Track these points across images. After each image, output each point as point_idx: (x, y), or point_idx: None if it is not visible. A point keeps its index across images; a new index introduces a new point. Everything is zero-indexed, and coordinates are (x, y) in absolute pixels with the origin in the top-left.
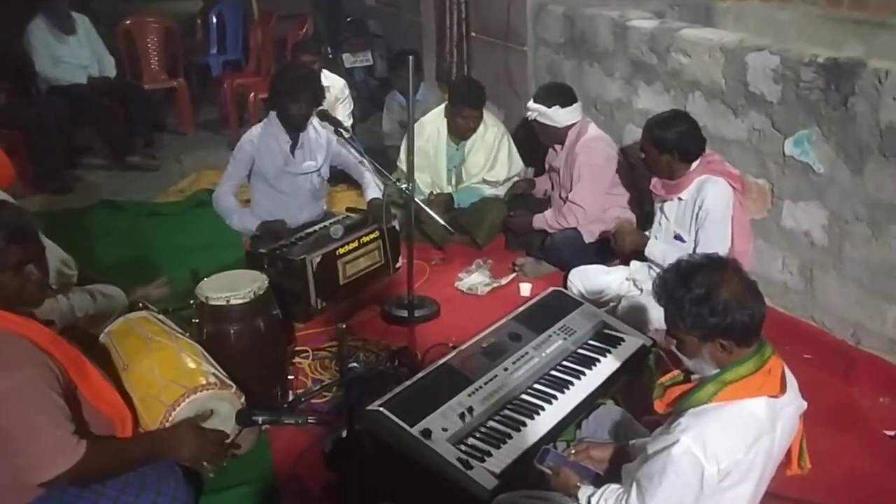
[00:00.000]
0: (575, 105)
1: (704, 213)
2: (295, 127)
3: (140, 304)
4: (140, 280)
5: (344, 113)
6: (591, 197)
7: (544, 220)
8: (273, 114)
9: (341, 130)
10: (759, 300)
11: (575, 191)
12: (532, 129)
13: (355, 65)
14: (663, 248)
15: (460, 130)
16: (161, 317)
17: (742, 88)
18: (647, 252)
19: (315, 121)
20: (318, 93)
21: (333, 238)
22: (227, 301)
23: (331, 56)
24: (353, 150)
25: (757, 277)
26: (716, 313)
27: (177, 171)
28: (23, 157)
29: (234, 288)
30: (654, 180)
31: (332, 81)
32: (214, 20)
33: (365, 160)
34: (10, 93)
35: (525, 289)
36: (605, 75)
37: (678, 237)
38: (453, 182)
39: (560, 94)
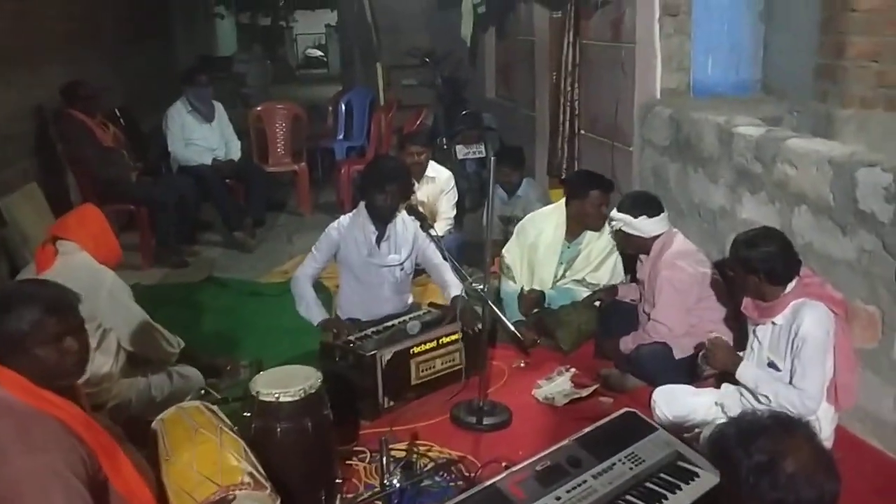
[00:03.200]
0: (662, 216)
1: (801, 341)
2: (381, 218)
3: (205, 390)
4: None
5: (448, 204)
6: (674, 316)
7: (629, 342)
8: (362, 204)
9: (426, 226)
10: (832, 477)
11: (658, 308)
12: None
13: (468, 156)
14: (756, 374)
15: (590, 219)
16: (214, 408)
17: (851, 205)
18: (739, 375)
19: (404, 214)
20: (406, 186)
21: (410, 334)
22: (277, 398)
23: (445, 147)
24: (435, 249)
25: (864, 415)
26: (777, 488)
27: (286, 252)
28: (146, 231)
29: (285, 384)
30: (746, 301)
31: (437, 172)
32: (343, 107)
33: (447, 258)
34: (142, 171)
35: (606, 403)
36: (710, 181)
37: (772, 364)
38: (557, 278)
39: (647, 204)
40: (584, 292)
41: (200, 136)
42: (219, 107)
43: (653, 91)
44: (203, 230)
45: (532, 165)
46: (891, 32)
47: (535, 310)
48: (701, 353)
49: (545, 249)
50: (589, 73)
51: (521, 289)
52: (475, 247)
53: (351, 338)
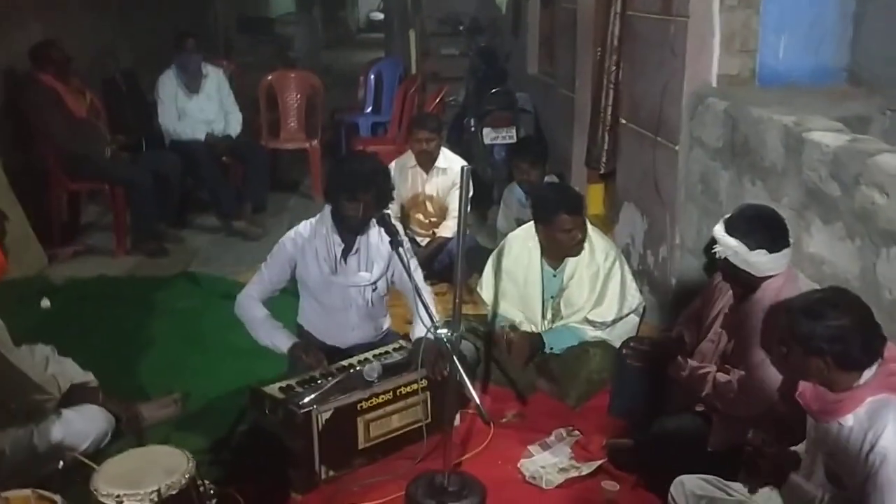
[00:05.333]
0: (785, 251)
1: (878, 458)
2: (350, 229)
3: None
4: (163, 386)
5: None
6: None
7: (708, 382)
8: (327, 208)
9: (398, 242)
10: None
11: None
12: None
13: (496, 141)
14: (809, 489)
15: (562, 246)
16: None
17: None
18: (789, 485)
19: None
20: (384, 194)
21: (366, 381)
22: (120, 502)
23: (472, 128)
24: (408, 267)
25: None
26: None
27: None
28: (120, 214)
29: (135, 480)
30: (803, 386)
31: (450, 163)
32: (373, 78)
33: (419, 285)
34: (121, 146)
35: (610, 488)
36: (770, 198)
37: (835, 479)
38: (549, 316)
39: (769, 233)
40: (591, 331)
41: (195, 107)
42: (216, 75)
43: (707, 77)
44: (200, 212)
45: (568, 155)
46: None
47: (534, 357)
48: (743, 465)
49: (525, 280)
50: (634, 50)
51: (509, 329)
52: (485, 254)
53: (284, 384)
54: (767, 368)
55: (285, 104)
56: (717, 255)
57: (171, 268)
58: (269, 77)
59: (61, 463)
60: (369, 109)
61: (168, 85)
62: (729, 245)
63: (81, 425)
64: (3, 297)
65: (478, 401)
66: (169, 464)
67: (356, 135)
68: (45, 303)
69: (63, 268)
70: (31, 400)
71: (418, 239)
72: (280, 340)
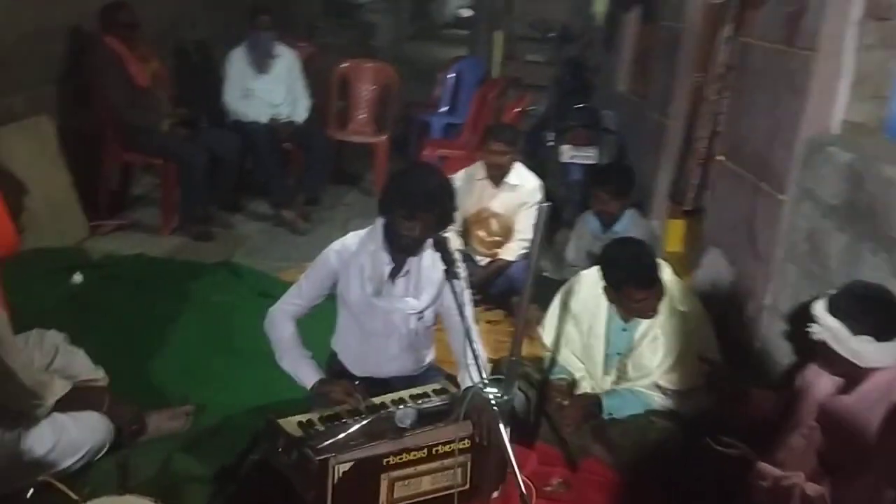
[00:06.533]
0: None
1: None
2: (403, 249)
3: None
4: (178, 392)
5: (529, 222)
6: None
7: (795, 497)
8: (379, 221)
9: (454, 273)
10: None
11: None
12: None
13: (574, 160)
14: None
15: (630, 312)
16: None
17: None
18: None
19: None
20: (446, 215)
21: (398, 427)
22: None
23: (551, 143)
24: (461, 304)
25: None
26: None
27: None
28: (169, 191)
29: None
30: None
31: (522, 180)
32: (452, 77)
33: (471, 327)
34: (181, 120)
35: None
36: (893, 275)
37: None
38: (613, 375)
39: (880, 318)
40: (660, 399)
41: (262, 88)
42: (289, 57)
43: (828, 123)
44: (255, 197)
45: (652, 184)
46: None
47: (588, 421)
48: None
49: (589, 329)
50: (744, 81)
51: (563, 384)
52: (553, 285)
53: (305, 419)
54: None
55: (357, 95)
56: (813, 335)
57: (215, 254)
58: (344, 65)
59: (31, 491)
60: (444, 109)
61: (236, 62)
62: (829, 326)
63: (76, 434)
64: (35, 266)
65: (520, 479)
66: None
67: (427, 134)
68: (77, 278)
69: (104, 241)
70: (18, 404)
71: (477, 258)
72: (305, 373)
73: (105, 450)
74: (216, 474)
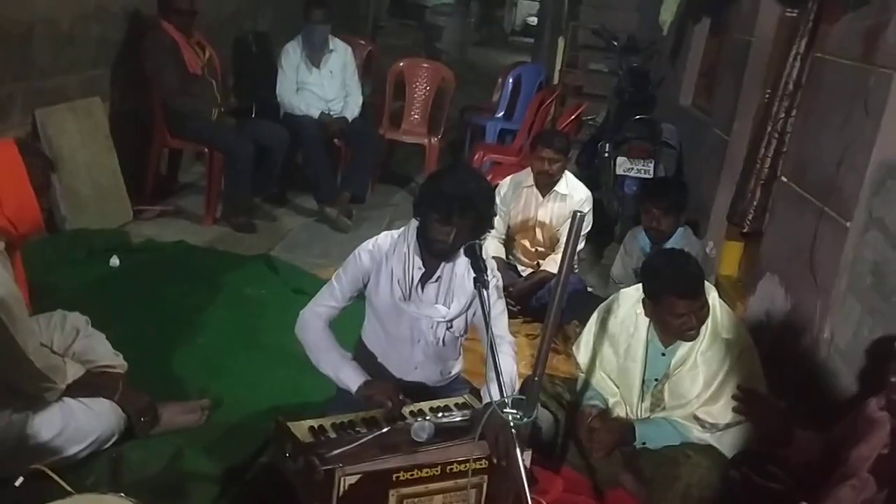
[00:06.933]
0: None
1: None
2: (436, 253)
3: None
4: (197, 383)
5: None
6: None
7: None
8: (414, 223)
9: (484, 281)
10: None
11: None
12: None
13: (629, 173)
14: None
15: (670, 329)
16: None
17: None
18: None
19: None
20: (484, 221)
21: (413, 441)
22: None
23: (606, 154)
24: (488, 315)
25: None
26: None
27: None
28: (214, 180)
29: None
30: None
31: (572, 190)
32: (510, 83)
33: (496, 339)
34: (231, 110)
35: None
36: None
37: None
38: (647, 402)
39: None
40: (698, 432)
41: (315, 83)
42: (344, 53)
43: None
44: (301, 192)
45: (709, 203)
46: None
47: (618, 448)
48: None
49: (626, 352)
50: (814, 99)
51: (596, 412)
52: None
53: (317, 424)
54: None
55: (412, 95)
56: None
57: (255, 246)
58: (401, 64)
59: (20, 479)
60: (501, 114)
61: (291, 55)
62: None
63: (85, 421)
64: (75, 246)
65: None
66: None
67: (481, 139)
68: (115, 261)
69: (146, 226)
70: (29, 385)
71: (520, 268)
72: (348, 376)
73: (114, 439)
74: (224, 474)
